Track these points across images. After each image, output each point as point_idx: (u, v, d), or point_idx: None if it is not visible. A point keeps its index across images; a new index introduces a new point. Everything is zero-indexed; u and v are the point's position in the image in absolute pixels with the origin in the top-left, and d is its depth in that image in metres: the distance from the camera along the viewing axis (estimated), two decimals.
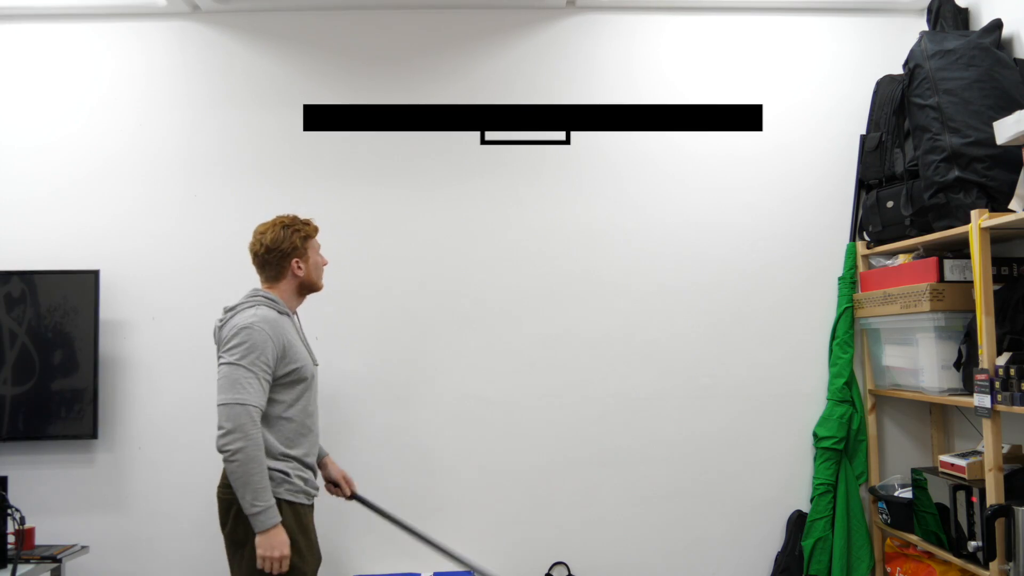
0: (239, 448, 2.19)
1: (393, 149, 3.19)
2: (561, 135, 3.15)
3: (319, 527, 3.09)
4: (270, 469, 2.27)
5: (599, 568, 3.11)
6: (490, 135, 3.15)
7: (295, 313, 2.54)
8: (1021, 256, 2.75)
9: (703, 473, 3.15)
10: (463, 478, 3.11)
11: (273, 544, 2.21)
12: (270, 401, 2.32)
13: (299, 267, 2.48)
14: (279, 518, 2.24)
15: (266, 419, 2.31)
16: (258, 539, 2.22)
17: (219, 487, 2.36)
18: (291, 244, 2.45)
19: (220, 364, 2.29)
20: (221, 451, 2.21)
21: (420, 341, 3.14)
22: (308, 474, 2.43)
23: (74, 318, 2.97)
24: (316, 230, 2.56)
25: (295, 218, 2.51)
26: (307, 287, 2.54)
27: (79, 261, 3.07)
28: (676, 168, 3.22)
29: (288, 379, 2.37)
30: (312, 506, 2.47)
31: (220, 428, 2.21)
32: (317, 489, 2.50)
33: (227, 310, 2.43)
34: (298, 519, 2.34)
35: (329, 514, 3.07)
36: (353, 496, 2.74)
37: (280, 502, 2.28)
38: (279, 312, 2.42)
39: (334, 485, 2.74)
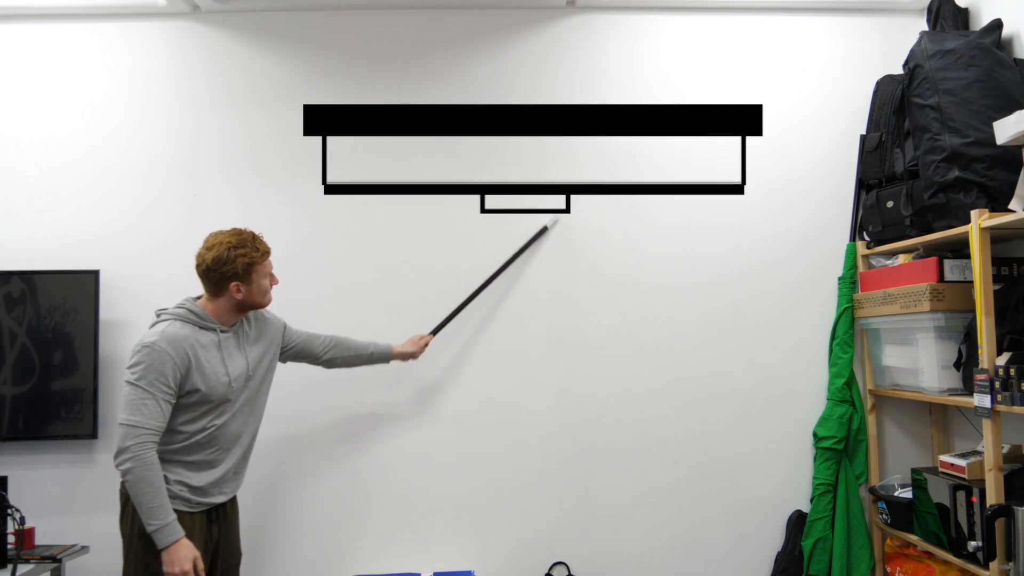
0: (128, 469, 2.22)
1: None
2: (561, 201, 3.08)
3: (315, 526, 3.09)
4: None
5: (599, 568, 3.11)
6: (490, 203, 3.09)
7: (232, 327, 2.46)
8: (1021, 256, 2.75)
9: (703, 473, 3.15)
10: (463, 478, 3.11)
11: (172, 560, 2.23)
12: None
13: (238, 290, 2.41)
14: (178, 534, 2.24)
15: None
16: (162, 555, 2.23)
17: (122, 481, 2.34)
18: (232, 269, 2.37)
19: (125, 380, 2.28)
20: (117, 468, 2.25)
21: None
22: (196, 481, 2.37)
23: (74, 318, 2.97)
24: (265, 255, 2.46)
25: (247, 239, 2.42)
26: (249, 306, 2.47)
27: (79, 261, 3.06)
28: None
29: (189, 400, 2.33)
30: (203, 513, 2.40)
31: (116, 447, 2.24)
32: (216, 496, 2.43)
33: (157, 314, 2.43)
34: None
35: (329, 513, 3.07)
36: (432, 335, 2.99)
37: None
38: (200, 327, 2.38)
39: (411, 355, 2.94)
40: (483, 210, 3.09)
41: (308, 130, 3.14)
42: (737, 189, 3.15)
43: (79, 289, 2.97)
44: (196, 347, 2.33)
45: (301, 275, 3.10)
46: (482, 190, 3.08)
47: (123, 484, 2.32)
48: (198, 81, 3.18)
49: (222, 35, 3.20)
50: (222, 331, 2.42)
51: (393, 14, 3.23)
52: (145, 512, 2.22)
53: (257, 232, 2.49)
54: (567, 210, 3.10)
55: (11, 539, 2.56)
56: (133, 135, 3.15)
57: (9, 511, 2.52)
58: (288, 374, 3.09)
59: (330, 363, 2.82)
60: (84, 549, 2.90)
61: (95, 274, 2.99)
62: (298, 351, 2.73)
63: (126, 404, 2.25)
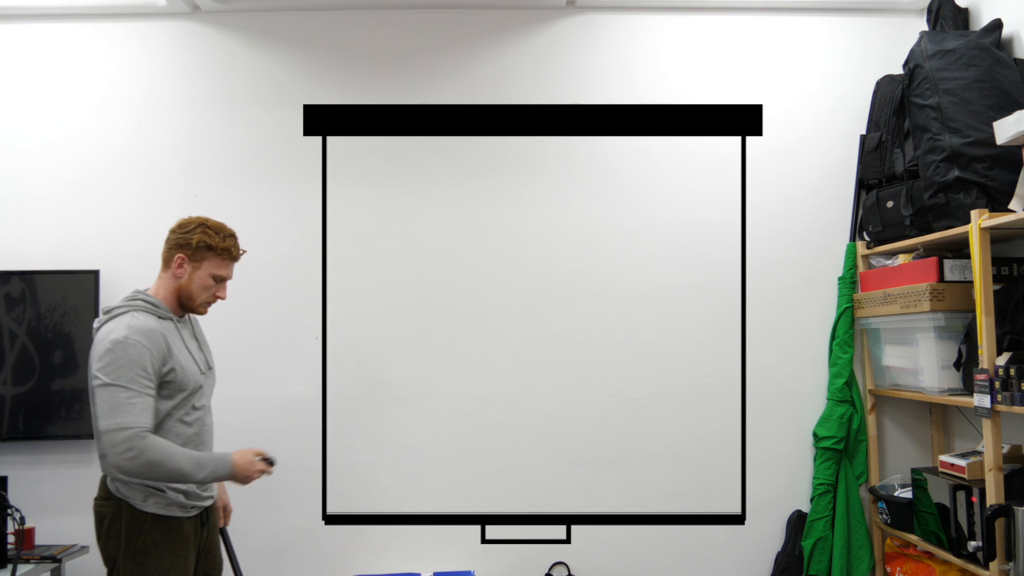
0: (134, 470, 2.04)
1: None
2: (561, 533, 3.10)
3: (315, 526, 3.09)
4: (141, 484, 2.15)
5: (599, 568, 3.11)
6: (490, 534, 3.08)
7: (182, 319, 2.33)
8: (1021, 256, 2.75)
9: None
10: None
11: (245, 476, 2.23)
12: None
13: (180, 267, 2.26)
14: (228, 458, 2.20)
15: None
16: (235, 479, 2.23)
17: (95, 499, 2.21)
18: (186, 240, 2.25)
19: (95, 384, 2.07)
20: (126, 474, 2.07)
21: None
22: (187, 485, 2.21)
23: (74, 318, 2.97)
24: (226, 251, 2.30)
25: (222, 227, 2.32)
26: (183, 297, 2.29)
27: (79, 261, 3.06)
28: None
29: (167, 390, 2.18)
30: (196, 516, 2.26)
31: (103, 457, 2.04)
32: (205, 499, 2.29)
33: (104, 312, 2.25)
34: (167, 533, 2.17)
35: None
36: (222, 529, 2.49)
37: (146, 515, 2.14)
38: (159, 317, 2.22)
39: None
40: (483, 540, 3.09)
41: (308, 130, 3.14)
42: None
43: (79, 289, 2.98)
44: (161, 336, 2.17)
45: (300, 275, 3.10)
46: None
47: (97, 502, 2.19)
48: (198, 81, 3.18)
49: (222, 35, 3.20)
50: (176, 320, 2.29)
51: (393, 14, 3.23)
52: (192, 476, 2.11)
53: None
54: (567, 540, 3.11)
55: (11, 539, 2.56)
56: (133, 135, 3.15)
57: (9, 511, 2.53)
58: (287, 371, 3.10)
59: None
60: (84, 549, 2.90)
61: (95, 274, 2.99)
62: None
63: (109, 408, 2.03)
